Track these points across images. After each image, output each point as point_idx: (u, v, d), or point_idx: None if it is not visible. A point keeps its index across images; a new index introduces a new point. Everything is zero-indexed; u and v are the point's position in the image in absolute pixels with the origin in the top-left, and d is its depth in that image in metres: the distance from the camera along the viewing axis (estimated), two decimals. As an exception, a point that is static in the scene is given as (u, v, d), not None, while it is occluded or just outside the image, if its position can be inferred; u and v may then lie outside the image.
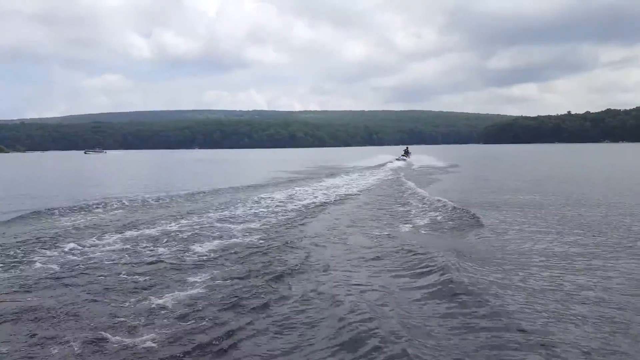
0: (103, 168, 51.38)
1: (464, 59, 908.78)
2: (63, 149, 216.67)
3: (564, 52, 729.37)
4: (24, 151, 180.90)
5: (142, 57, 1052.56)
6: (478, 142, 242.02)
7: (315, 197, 16.55)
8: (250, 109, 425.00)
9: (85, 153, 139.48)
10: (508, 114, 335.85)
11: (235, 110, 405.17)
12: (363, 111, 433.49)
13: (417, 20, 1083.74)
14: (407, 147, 54.81)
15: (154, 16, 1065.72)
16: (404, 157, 47.17)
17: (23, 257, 7.61)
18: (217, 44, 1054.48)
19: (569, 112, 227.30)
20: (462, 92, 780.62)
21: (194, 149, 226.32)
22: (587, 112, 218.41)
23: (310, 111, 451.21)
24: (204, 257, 7.59)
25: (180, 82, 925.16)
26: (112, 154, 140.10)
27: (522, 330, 4.36)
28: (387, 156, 48.59)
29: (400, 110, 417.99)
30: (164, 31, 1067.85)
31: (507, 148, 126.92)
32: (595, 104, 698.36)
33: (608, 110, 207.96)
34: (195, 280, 6.25)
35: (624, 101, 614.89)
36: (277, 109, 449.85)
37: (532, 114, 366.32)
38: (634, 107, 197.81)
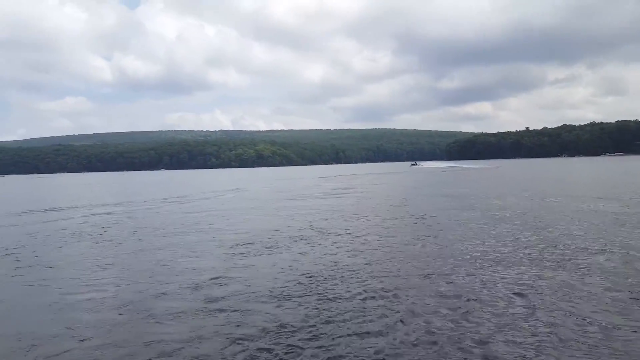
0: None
1: (417, 80, 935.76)
2: (24, 173, 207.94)
3: (512, 71, 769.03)
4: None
5: (104, 80, 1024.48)
6: (442, 159, 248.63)
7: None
8: (216, 129, 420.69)
9: None
10: (467, 131, 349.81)
11: (201, 131, 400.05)
12: (329, 129, 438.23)
13: (370, 44, 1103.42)
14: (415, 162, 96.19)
15: (115, 40, 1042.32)
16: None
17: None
18: (178, 67, 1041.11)
19: (527, 128, 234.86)
20: (419, 111, 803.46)
21: (160, 169, 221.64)
22: (545, 128, 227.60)
23: (277, 130, 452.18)
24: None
25: (143, 105, 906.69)
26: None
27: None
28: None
29: (365, 129, 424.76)
30: (125, 55, 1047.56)
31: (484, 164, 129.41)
32: (547, 121, 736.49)
33: (564, 126, 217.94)
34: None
35: (574, 117, 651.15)
36: (243, 129, 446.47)
37: (490, 130, 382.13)
38: (588, 122, 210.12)
